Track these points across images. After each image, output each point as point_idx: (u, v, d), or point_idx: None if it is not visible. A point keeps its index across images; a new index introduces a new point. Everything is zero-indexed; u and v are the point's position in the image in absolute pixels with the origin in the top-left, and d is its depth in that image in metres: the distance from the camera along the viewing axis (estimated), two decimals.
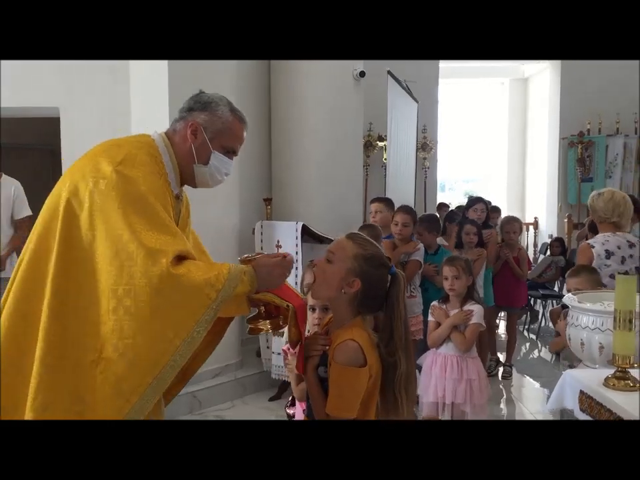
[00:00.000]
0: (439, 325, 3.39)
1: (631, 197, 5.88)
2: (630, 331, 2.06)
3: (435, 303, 3.54)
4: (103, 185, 1.65)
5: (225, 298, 1.64)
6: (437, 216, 5.56)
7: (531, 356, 6.33)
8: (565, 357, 3.13)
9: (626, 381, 2.05)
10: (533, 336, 6.88)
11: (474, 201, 5.30)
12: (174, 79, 4.14)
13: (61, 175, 1.84)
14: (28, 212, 4.79)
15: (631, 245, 3.53)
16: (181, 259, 1.64)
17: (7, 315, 1.68)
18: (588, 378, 2.21)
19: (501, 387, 5.08)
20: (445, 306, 3.43)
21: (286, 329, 1.89)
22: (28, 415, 1.59)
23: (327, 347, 1.78)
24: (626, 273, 3.25)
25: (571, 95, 9.30)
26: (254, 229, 4.83)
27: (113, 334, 1.59)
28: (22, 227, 4.74)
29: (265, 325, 1.90)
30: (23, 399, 1.61)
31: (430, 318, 3.53)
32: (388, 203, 4.70)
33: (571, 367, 2.90)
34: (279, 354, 4.58)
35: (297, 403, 2.54)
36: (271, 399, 4.60)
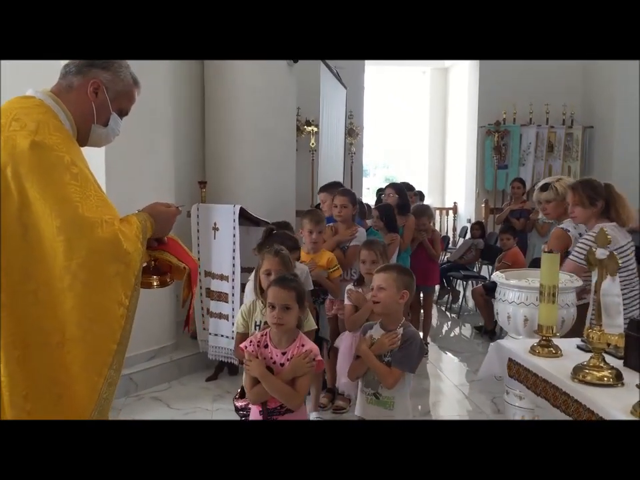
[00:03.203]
0: (356, 308, 3.34)
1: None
2: (553, 303, 2.30)
3: (350, 286, 3.47)
4: (21, 159, 1.55)
5: (144, 247, 1.73)
6: (360, 200, 5.79)
7: (453, 333, 6.68)
8: (366, 383, 2.71)
9: (549, 349, 2.29)
10: (454, 315, 7.25)
11: (387, 186, 5.62)
12: None
13: None
14: None
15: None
16: None
17: None
18: (515, 347, 2.43)
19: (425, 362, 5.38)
20: (360, 289, 3.37)
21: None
22: (10, 412, 1.55)
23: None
24: None
25: (488, 85, 9.73)
26: (189, 211, 4.85)
27: (73, 311, 1.57)
28: None
29: (153, 279, 1.92)
30: None
31: (346, 302, 3.45)
32: (334, 189, 4.61)
33: (377, 395, 2.65)
34: (216, 335, 4.66)
35: (252, 406, 2.54)
36: (208, 379, 4.67)
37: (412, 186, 6.83)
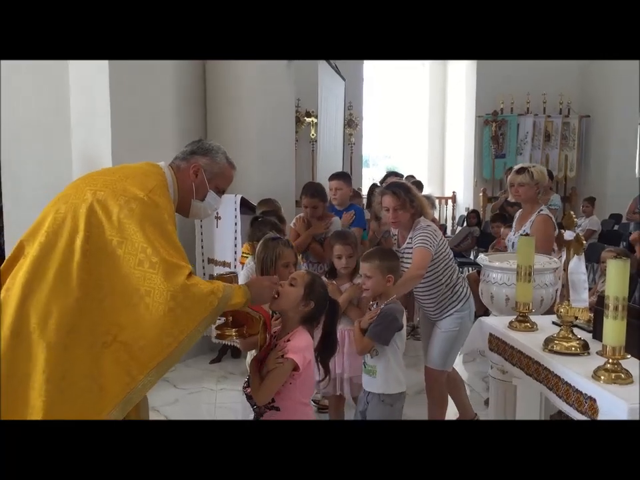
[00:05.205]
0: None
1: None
2: (529, 282, 2.50)
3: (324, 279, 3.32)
4: (134, 204, 1.96)
5: (222, 306, 1.98)
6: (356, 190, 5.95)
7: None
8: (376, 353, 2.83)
9: (525, 324, 2.49)
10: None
11: (387, 174, 5.77)
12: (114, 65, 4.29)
13: None
14: None
15: None
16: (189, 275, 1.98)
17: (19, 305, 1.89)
18: (495, 323, 2.63)
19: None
20: (334, 282, 3.32)
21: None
22: (45, 385, 1.85)
23: None
24: None
25: (486, 75, 9.87)
26: None
27: (131, 324, 1.90)
28: None
29: (232, 332, 2.21)
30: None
31: None
32: (346, 178, 4.69)
33: (364, 364, 2.84)
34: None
35: None
36: (212, 362, 4.90)
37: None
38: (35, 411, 1.85)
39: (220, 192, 2.32)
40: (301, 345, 2.24)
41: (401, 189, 3.31)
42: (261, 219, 3.60)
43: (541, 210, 3.76)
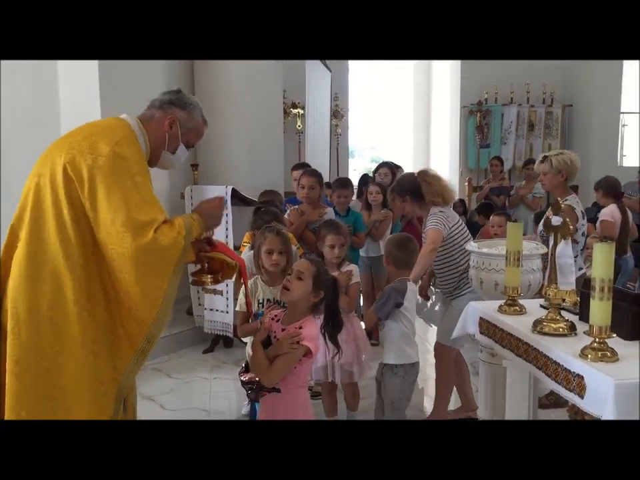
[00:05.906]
0: None
1: None
2: (517, 267, 2.57)
3: None
4: (101, 161, 1.96)
5: (188, 242, 2.06)
6: (349, 179, 6.00)
7: (437, 307, 6.95)
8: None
9: (514, 307, 2.57)
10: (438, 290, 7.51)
11: (380, 165, 5.81)
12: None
13: None
14: None
15: None
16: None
17: (21, 276, 1.98)
18: (485, 307, 2.71)
19: None
20: None
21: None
22: (82, 354, 1.98)
23: None
24: None
25: (470, 66, 9.93)
26: (182, 193, 5.08)
27: (118, 282, 2.00)
28: None
29: (207, 278, 2.26)
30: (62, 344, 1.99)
31: None
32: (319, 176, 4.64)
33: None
34: (211, 310, 4.92)
35: None
36: (205, 352, 4.95)
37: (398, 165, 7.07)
38: (80, 380, 1.97)
39: (189, 147, 2.32)
40: (314, 334, 2.37)
41: (392, 189, 3.76)
42: (263, 209, 3.68)
43: (566, 200, 3.70)
